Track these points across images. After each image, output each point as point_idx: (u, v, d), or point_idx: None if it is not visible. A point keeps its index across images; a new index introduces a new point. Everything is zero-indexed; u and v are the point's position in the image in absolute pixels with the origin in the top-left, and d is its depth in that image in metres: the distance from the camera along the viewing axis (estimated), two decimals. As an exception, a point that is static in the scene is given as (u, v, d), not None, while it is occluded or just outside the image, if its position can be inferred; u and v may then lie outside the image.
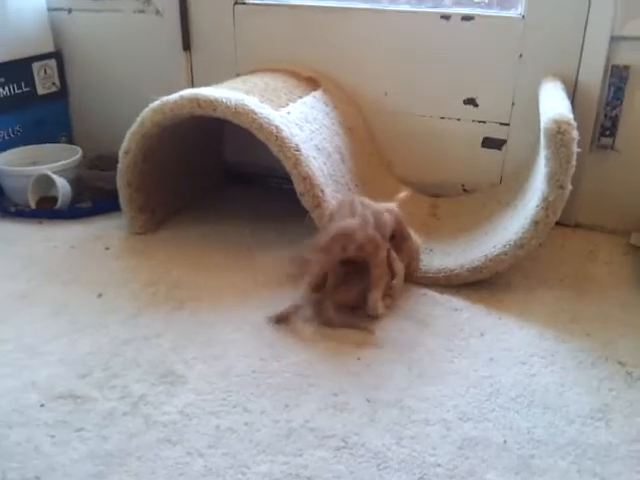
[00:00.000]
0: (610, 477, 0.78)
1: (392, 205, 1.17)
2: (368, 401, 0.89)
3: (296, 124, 1.26)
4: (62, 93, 1.81)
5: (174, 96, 1.24)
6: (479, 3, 1.48)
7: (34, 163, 1.59)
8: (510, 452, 0.81)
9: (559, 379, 0.95)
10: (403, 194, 1.20)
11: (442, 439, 0.83)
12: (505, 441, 0.82)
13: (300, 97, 1.38)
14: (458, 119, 1.50)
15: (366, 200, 1.14)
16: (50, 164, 1.52)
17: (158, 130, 1.27)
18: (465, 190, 1.54)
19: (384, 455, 0.80)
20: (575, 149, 1.07)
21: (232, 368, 0.96)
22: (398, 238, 1.15)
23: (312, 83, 1.48)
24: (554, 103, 1.15)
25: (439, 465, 0.78)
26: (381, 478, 0.77)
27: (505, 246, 1.13)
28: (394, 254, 1.13)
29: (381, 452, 0.80)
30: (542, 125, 1.10)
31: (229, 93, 1.23)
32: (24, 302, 1.14)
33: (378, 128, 1.57)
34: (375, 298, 1.07)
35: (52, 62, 1.76)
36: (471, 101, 1.48)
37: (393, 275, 1.12)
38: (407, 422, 0.85)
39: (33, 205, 1.51)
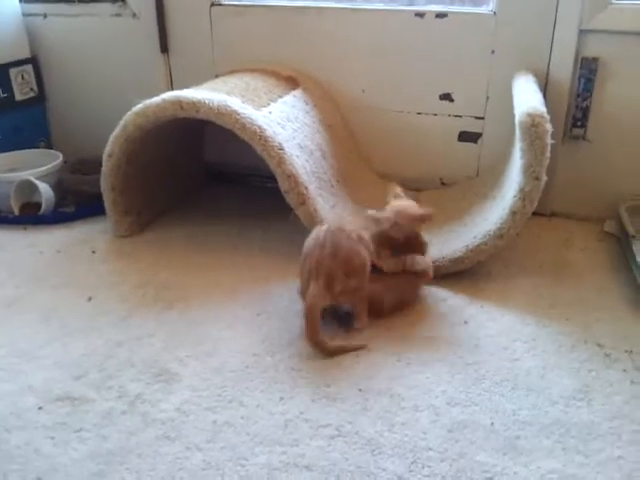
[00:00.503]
0: (593, 454, 0.82)
1: (398, 209, 1.12)
2: (360, 391, 0.92)
3: (278, 123, 1.28)
4: (40, 98, 1.81)
5: (156, 99, 1.25)
6: (452, 0, 1.51)
7: (14, 169, 1.59)
8: (497, 434, 0.84)
9: (541, 362, 0.99)
10: (397, 190, 1.19)
11: (432, 424, 0.86)
12: (492, 423, 0.86)
13: (280, 96, 1.40)
14: (435, 114, 1.53)
15: (344, 235, 1.05)
16: (32, 170, 1.52)
17: (141, 133, 1.28)
18: (443, 183, 1.58)
19: (377, 441, 0.83)
20: (549, 141, 1.11)
21: (225, 364, 0.98)
22: (413, 243, 1.14)
23: (291, 82, 1.50)
24: (527, 97, 1.19)
25: (430, 449, 0.82)
26: (375, 464, 0.80)
27: (485, 236, 1.17)
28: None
29: (374, 439, 0.83)
30: (517, 119, 1.13)
31: (211, 94, 1.24)
32: (14, 309, 1.15)
33: (357, 125, 1.59)
34: (360, 327, 1.07)
35: (29, 67, 1.75)
36: (447, 96, 1.51)
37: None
38: (398, 409, 0.89)
39: (17, 211, 1.51)
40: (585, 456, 0.81)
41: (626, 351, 1.01)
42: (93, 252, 1.35)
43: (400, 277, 1.11)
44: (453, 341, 1.04)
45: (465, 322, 1.09)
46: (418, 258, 1.12)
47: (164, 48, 1.66)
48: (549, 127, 1.11)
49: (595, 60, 1.37)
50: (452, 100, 1.51)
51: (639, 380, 0.95)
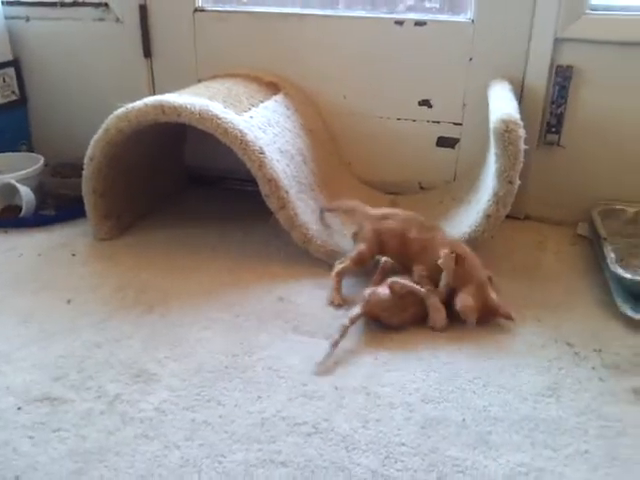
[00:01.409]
0: (560, 448, 0.84)
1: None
2: (336, 389, 0.94)
3: (259, 128, 1.30)
4: (21, 101, 1.81)
5: (138, 103, 1.26)
6: (431, 9, 1.55)
7: (-5, 172, 1.59)
8: (469, 429, 0.87)
9: (512, 361, 1.01)
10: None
11: (406, 420, 0.88)
12: (464, 419, 0.88)
13: (262, 101, 1.42)
14: (414, 120, 1.56)
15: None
16: (13, 173, 1.52)
17: (122, 137, 1.29)
18: (422, 188, 1.60)
19: (352, 438, 0.85)
20: (522, 146, 1.14)
21: (204, 365, 1.00)
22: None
23: (273, 87, 1.52)
24: (502, 103, 1.22)
25: (403, 444, 0.84)
26: (350, 459, 0.81)
27: (460, 239, 1.19)
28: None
29: (349, 435, 0.85)
30: (491, 125, 1.16)
31: (193, 99, 1.26)
32: (-7, 310, 1.15)
33: (337, 129, 1.62)
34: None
35: (11, 70, 1.75)
36: (426, 102, 1.54)
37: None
38: (373, 406, 0.91)
39: (-3, 214, 1.51)
40: (553, 450, 0.84)
41: (595, 350, 1.04)
42: (73, 255, 1.35)
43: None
44: (428, 341, 1.06)
45: (440, 323, 1.11)
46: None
47: (147, 53, 1.67)
48: (522, 133, 1.14)
49: (569, 68, 1.41)
50: (431, 106, 1.54)
51: (607, 377, 0.98)
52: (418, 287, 1.10)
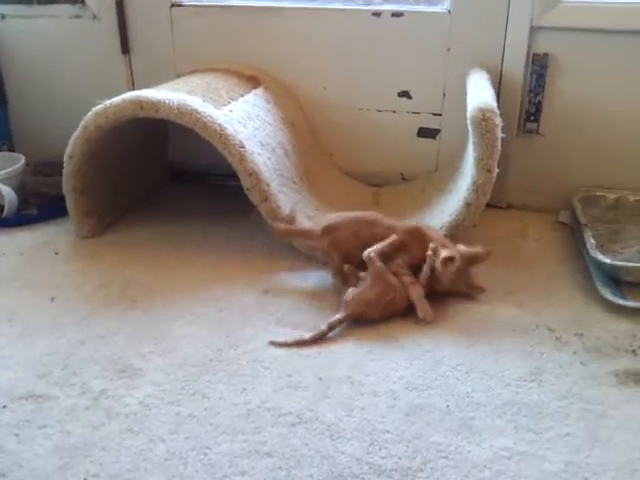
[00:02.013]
0: (543, 431, 0.85)
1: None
2: (320, 379, 0.95)
3: (239, 122, 1.30)
4: (1, 101, 1.79)
5: (116, 99, 1.26)
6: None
7: (-25, 173, 1.57)
8: (452, 415, 0.88)
9: (495, 347, 1.02)
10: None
11: (390, 408, 0.89)
12: (447, 406, 0.89)
13: (242, 95, 1.42)
14: (394, 111, 1.57)
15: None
16: (-7, 173, 1.51)
17: (101, 133, 1.28)
18: (404, 178, 1.61)
19: (337, 426, 0.85)
20: (499, 134, 1.15)
21: (188, 359, 1.00)
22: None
23: (253, 81, 1.52)
24: (479, 92, 1.23)
25: (388, 431, 0.85)
26: (334, 447, 0.82)
27: (441, 228, 1.21)
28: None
29: (334, 424, 0.86)
30: (468, 114, 1.17)
31: (171, 94, 1.26)
32: (-25, 311, 1.15)
33: (318, 122, 1.62)
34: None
35: (-12, 70, 1.74)
36: (405, 93, 1.55)
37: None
38: (357, 395, 0.91)
39: (-22, 215, 1.50)
40: (535, 434, 0.85)
41: (576, 334, 1.05)
42: (56, 253, 1.35)
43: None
44: (411, 329, 1.07)
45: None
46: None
47: (125, 49, 1.66)
48: (499, 121, 1.15)
49: (545, 56, 1.42)
50: (410, 97, 1.55)
51: (588, 361, 0.99)
52: (389, 241, 1.11)
